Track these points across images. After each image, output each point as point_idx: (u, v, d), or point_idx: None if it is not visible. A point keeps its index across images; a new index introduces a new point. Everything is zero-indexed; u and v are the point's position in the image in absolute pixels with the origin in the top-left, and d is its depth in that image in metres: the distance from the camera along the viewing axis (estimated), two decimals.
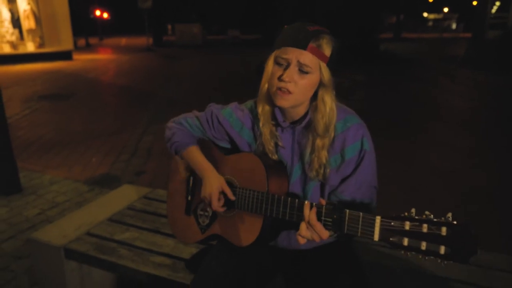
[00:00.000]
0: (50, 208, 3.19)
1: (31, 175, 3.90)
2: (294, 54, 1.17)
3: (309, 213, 1.12)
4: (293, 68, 1.18)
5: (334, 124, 1.25)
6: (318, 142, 1.24)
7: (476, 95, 8.70)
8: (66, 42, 15.88)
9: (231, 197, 1.34)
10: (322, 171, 1.26)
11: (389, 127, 5.79)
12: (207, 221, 1.46)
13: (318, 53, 1.17)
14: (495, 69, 11.14)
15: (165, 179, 1.66)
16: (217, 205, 1.35)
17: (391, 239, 0.98)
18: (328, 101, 1.22)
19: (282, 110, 1.29)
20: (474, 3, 27.17)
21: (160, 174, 3.97)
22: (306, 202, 1.15)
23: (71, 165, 4.24)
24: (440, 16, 54.81)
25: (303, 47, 1.16)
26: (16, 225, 2.90)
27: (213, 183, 1.35)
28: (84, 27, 26.09)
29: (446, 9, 53.13)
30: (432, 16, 56.48)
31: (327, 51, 1.18)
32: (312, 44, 1.16)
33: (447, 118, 6.61)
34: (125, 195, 2.31)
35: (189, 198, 1.53)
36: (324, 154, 1.24)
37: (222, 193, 1.36)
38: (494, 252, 1.70)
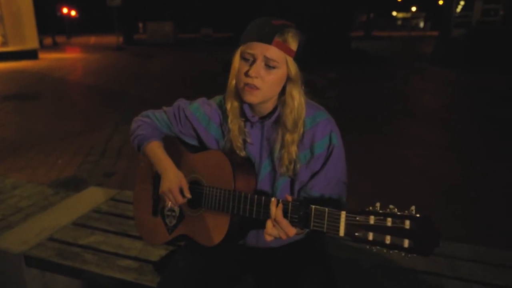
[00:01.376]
0: (13, 214, 3.04)
1: None
2: (260, 49, 1.15)
3: (275, 210, 1.11)
4: (260, 64, 1.16)
5: (304, 119, 1.24)
6: (288, 137, 1.23)
7: (448, 93, 8.94)
8: (31, 40, 15.33)
9: (187, 195, 1.33)
10: (292, 166, 1.25)
11: (365, 124, 5.88)
12: (174, 222, 1.43)
13: (284, 48, 1.15)
14: (463, 67, 11.51)
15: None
16: (181, 199, 1.33)
17: (356, 234, 0.98)
18: (296, 96, 1.22)
19: (250, 105, 1.27)
20: (440, 2, 28.09)
21: (131, 174, 3.86)
22: (272, 199, 1.13)
23: (36, 168, 4.07)
24: (408, 15, 56.35)
25: (269, 41, 1.14)
26: None
27: (172, 178, 1.33)
28: (50, 25, 25.24)
29: (414, 8, 54.58)
30: (401, 15, 58.12)
31: (293, 45, 1.17)
32: (277, 39, 1.14)
33: (422, 115, 6.74)
34: (91, 198, 2.23)
35: (156, 198, 1.49)
36: (294, 149, 1.23)
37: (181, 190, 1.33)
38: (458, 242, 1.74)
